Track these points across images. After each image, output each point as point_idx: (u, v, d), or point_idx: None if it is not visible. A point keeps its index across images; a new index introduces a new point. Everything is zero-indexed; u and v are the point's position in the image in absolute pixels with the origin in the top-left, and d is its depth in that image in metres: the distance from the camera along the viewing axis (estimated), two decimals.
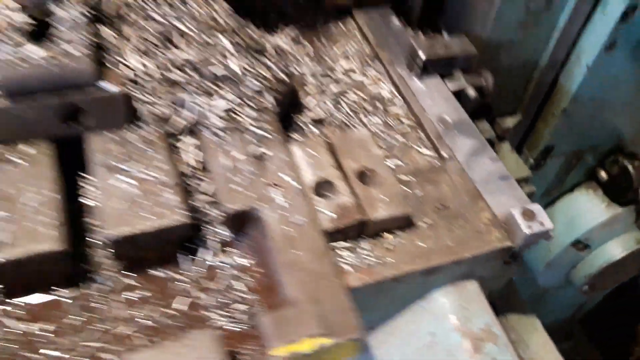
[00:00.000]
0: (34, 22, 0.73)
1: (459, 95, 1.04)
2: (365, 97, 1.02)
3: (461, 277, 0.85)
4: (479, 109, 1.11)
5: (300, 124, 0.95)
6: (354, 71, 1.07)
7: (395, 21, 1.16)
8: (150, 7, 0.82)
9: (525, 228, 0.81)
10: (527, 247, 0.85)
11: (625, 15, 1.08)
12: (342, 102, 1.01)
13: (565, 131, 1.34)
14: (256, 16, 1.03)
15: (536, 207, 0.84)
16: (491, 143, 1.01)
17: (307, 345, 0.62)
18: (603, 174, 1.54)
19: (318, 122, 0.96)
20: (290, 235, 0.72)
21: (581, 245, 1.60)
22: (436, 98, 1.02)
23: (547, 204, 1.61)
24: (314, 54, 1.09)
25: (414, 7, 1.16)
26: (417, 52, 1.02)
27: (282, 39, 1.07)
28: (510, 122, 1.29)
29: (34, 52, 0.70)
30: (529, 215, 0.83)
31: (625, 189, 1.49)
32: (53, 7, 0.75)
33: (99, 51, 0.76)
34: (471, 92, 1.04)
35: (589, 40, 1.15)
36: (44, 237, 0.66)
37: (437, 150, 0.94)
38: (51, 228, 0.67)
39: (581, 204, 1.58)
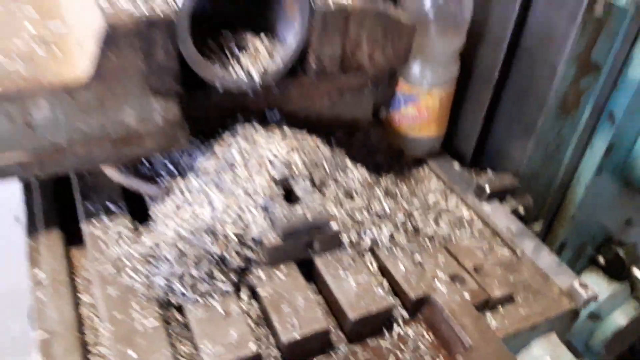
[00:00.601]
0: (284, 191, 1.21)
1: (513, 212, 1.56)
2: (453, 219, 1.52)
3: (546, 330, 1.30)
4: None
5: (419, 239, 1.43)
6: (439, 201, 1.58)
7: (456, 165, 1.70)
8: (335, 175, 1.32)
9: (584, 294, 1.29)
10: (584, 307, 1.33)
11: (607, 151, 1.65)
12: (440, 222, 1.50)
13: (574, 231, 1.87)
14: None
15: (587, 281, 1.32)
16: None
17: None
18: (601, 259, 2.05)
19: (430, 237, 1.44)
20: (456, 309, 1.17)
21: (594, 316, 2.08)
22: (500, 216, 1.53)
23: None
24: (409, 192, 1.60)
25: (467, 155, 1.71)
26: (483, 187, 1.54)
27: (385, 183, 1.58)
28: (537, 226, 1.80)
29: (295, 210, 1.17)
30: (583, 286, 1.31)
31: (620, 269, 2.01)
32: (291, 182, 1.23)
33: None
34: (521, 210, 1.56)
35: (585, 168, 1.71)
36: (318, 322, 1.09)
37: (512, 250, 1.43)
38: (321, 315, 1.10)
39: (588, 284, 2.08)
